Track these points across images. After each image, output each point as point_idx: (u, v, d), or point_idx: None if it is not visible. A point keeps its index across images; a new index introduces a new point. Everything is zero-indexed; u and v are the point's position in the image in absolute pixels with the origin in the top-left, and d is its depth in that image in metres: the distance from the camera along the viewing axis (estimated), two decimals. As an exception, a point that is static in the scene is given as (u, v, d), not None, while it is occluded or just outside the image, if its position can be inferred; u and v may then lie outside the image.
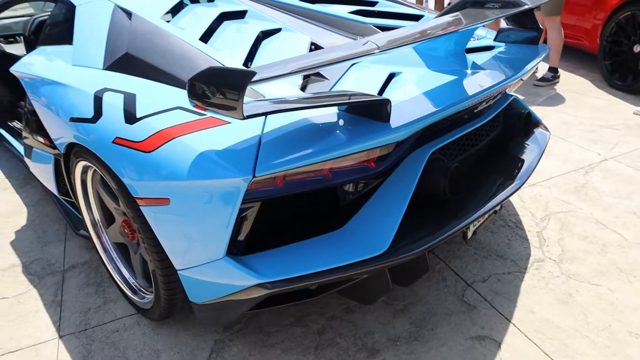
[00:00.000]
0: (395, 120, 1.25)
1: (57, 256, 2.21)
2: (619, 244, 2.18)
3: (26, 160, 2.26)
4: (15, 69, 2.10)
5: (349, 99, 1.19)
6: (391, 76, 1.55)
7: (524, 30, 1.96)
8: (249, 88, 1.31)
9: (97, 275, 2.07)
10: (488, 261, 2.09)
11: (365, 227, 1.38)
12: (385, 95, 1.42)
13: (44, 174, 2.07)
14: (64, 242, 2.31)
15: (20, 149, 2.54)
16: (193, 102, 1.12)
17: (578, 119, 3.58)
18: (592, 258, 2.08)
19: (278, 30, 1.87)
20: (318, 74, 1.55)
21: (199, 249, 1.33)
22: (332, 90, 1.49)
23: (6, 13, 3.67)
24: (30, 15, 3.42)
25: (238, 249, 1.35)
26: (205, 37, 1.74)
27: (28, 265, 2.16)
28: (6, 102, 3.14)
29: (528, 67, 1.64)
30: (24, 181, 2.85)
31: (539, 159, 1.83)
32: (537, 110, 3.75)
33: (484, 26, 1.81)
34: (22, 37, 3.29)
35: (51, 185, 2.06)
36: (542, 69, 4.42)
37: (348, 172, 1.32)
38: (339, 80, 1.53)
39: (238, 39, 1.74)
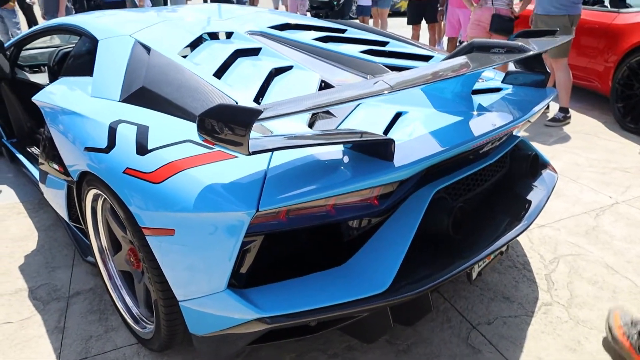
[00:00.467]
0: (399, 159, 1.27)
1: (64, 282, 2.22)
2: (631, 290, 2.13)
3: (40, 185, 2.32)
4: (37, 98, 2.19)
5: (354, 137, 1.22)
6: (398, 115, 1.58)
7: (532, 73, 1.99)
8: (257, 124, 1.35)
9: (101, 302, 2.07)
10: (494, 303, 2.05)
11: (367, 264, 1.38)
12: (391, 134, 1.45)
13: (57, 199, 2.12)
14: (71, 267, 2.33)
15: (36, 174, 2.60)
16: (202, 137, 1.16)
17: (589, 160, 3.56)
18: (602, 304, 2.03)
19: (290, 67, 1.93)
20: (326, 111, 1.59)
21: (201, 281, 1.34)
22: (339, 127, 1.52)
23: (33, 43, 3.84)
24: (56, 47, 3.57)
25: (240, 282, 1.35)
26: (219, 73, 1.80)
27: (34, 290, 2.17)
28: (27, 128, 3.24)
29: (534, 109, 1.66)
30: (38, 206, 2.91)
31: (547, 201, 1.82)
32: (548, 151, 3.75)
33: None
34: (46, 68, 3.43)
35: (62, 211, 2.10)
36: (553, 109, 4.45)
37: (351, 209, 1.33)
38: (346, 117, 1.57)
39: (250, 76, 1.80)
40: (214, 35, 2.46)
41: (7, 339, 1.89)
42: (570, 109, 4.38)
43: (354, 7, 9.36)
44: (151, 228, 1.37)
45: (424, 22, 6.30)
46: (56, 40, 4.11)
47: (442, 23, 6.31)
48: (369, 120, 1.55)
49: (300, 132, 1.35)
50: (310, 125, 1.52)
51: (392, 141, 1.24)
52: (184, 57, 1.91)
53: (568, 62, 4.18)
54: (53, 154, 2.00)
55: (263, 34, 2.27)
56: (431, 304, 1.50)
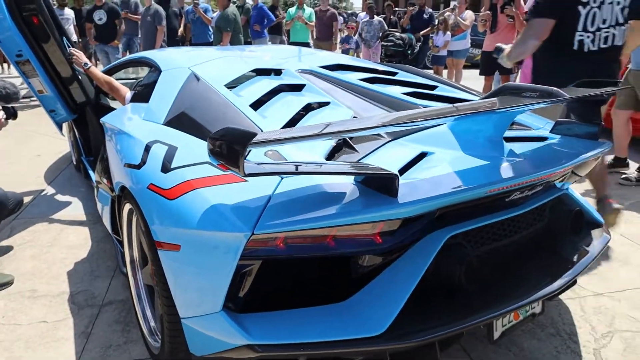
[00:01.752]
0: (405, 196, 1.23)
1: (101, 290, 2.36)
2: (698, 381, 1.82)
3: (96, 197, 2.52)
4: (103, 119, 2.42)
5: (357, 170, 1.20)
6: (423, 155, 1.54)
7: (584, 124, 1.86)
8: (274, 151, 1.38)
9: (128, 314, 2.16)
10: (528, 372, 1.84)
11: (367, 304, 1.32)
12: (409, 173, 1.41)
13: (104, 212, 2.28)
14: (110, 278, 2.47)
15: None
16: (211, 157, 1.21)
17: (669, 229, 3.18)
18: (659, 392, 1.75)
19: (327, 103, 1.97)
20: (350, 146, 1.59)
21: (200, 299, 1.36)
22: (360, 163, 1.51)
23: (122, 75, 4.29)
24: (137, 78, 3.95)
25: (237, 306, 1.35)
26: (257, 105, 1.89)
27: (74, 295, 2.32)
28: (99, 148, 3.58)
29: (574, 160, 1.54)
30: (97, 218, 3.15)
31: (589, 263, 1.65)
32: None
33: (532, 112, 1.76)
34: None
35: (107, 223, 2.26)
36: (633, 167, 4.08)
37: (352, 244, 1.30)
38: (369, 154, 1.55)
39: (285, 109, 1.86)
40: (267, 72, 2.59)
41: (39, 336, 2.02)
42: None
43: (429, 56, 9.40)
44: (162, 242, 1.43)
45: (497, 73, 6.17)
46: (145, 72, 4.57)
47: (516, 75, 6.14)
48: (390, 157, 1.52)
49: (306, 161, 1.36)
50: (329, 157, 1.53)
51: (396, 176, 1.21)
52: (230, 89, 2.02)
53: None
54: (105, 168, 2.19)
55: (313, 73, 2.36)
56: (438, 356, 1.38)
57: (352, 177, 1.33)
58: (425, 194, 1.24)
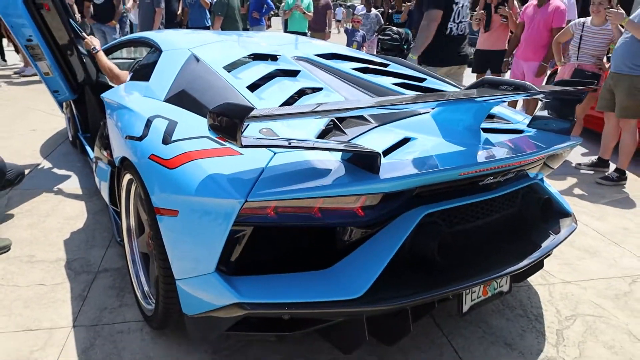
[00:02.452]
0: (386, 173, 1.36)
1: (96, 259, 2.46)
2: (649, 361, 1.98)
3: (94, 172, 2.61)
4: (104, 95, 2.51)
5: (342, 147, 1.32)
6: (406, 140, 1.66)
7: (558, 120, 1.99)
8: (268, 128, 1.50)
9: (123, 281, 2.27)
10: (494, 347, 1.99)
11: (348, 271, 1.45)
12: (393, 155, 1.54)
13: (102, 184, 2.38)
14: (106, 248, 2.57)
15: None
16: (211, 131, 1.32)
17: None
18: (612, 368, 1.91)
19: (319, 89, 2.08)
20: (339, 129, 1.71)
21: (195, 261, 1.48)
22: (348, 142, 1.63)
23: (125, 54, 4.36)
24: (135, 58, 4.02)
25: (229, 269, 1.47)
26: (253, 87, 1.99)
27: (71, 262, 2.43)
28: (99, 125, 3.66)
29: (542, 152, 1.67)
30: (94, 192, 3.25)
31: (553, 247, 1.79)
32: (595, 210, 3.58)
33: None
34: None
35: (105, 194, 2.36)
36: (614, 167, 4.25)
37: (336, 215, 1.42)
38: (357, 136, 1.68)
39: (280, 92, 1.97)
40: (264, 57, 2.69)
41: (37, 297, 2.13)
42: (629, 173, 4.16)
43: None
44: (161, 208, 1.54)
45: (489, 71, 6.30)
46: (143, 53, 4.64)
47: (507, 74, 6.27)
48: (377, 140, 1.64)
49: (298, 139, 1.48)
50: (320, 137, 1.64)
51: (378, 155, 1.33)
52: (228, 71, 2.12)
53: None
54: (105, 143, 2.28)
55: (308, 60, 2.46)
56: (410, 325, 1.52)
57: (340, 155, 1.46)
58: (404, 172, 1.37)
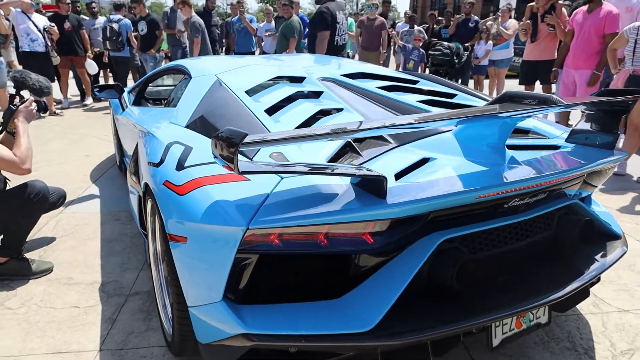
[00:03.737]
0: (394, 197, 1.27)
1: (129, 282, 2.52)
2: None
3: (130, 195, 2.70)
4: (136, 122, 2.60)
5: (346, 171, 1.26)
6: (425, 160, 1.57)
7: (599, 133, 1.82)
8: (279, 152, 1.47)
9: (151, 304, 2.30)
10: (535, 384, 1.81)
11: (358, 302, 1.37)
12: (408, 177, 1.45)
13: (134, 208, 2.45)
14: (139, 271, 2.63)
15: None
16: (215, 156, 1.30)
17: None
18: (675, 414, 1.67)
19: (340, 109, 2.03)
20: (355, 150, 1.65)
21: (204, 288, 1.45)
22: (362, 165, 1.56)
23: (168, 82, 4.55)
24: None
25: (236, 297, 1.43)
26: (272, 110, 1.98)
27: (105, 284, 2.50)
28: None
29: (577, 169, 1.52)
30: (132, 216, 3.36)
31: (596, 275, 1.61)
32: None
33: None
34: (165, 102, 4.02)
35: (135, 218, 2.42)
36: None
37: (344, 242, 1.35)
38: (372, 158, 1.61)
39: (298, 114, 1.94)
40: (289, 79, 2.69)
41: (70, 319, 2.20)
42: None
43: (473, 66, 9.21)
44: (172, 235, 1.54)
45: (538, 83, 6.00)
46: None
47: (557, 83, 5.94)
48: (393, 162, 1.56)
49: (299, 162, 1.42)
50: (332, 161, 1.59)
51: (383, 178, 1.25)
52: (250, 95, 2.13)
53: None
54: (136, 168, 2.35)
55: (334, 80, 2.43)
56: (430, 360, 1.41)
57: (348, 179, 1.39)
58: (413, 196, 1.28)
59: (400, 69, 8.22)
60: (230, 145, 1.14)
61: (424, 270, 1.42)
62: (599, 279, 1.93)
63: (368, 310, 1.33)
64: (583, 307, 2.31)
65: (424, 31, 8.69)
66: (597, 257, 1.71)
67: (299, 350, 1.36)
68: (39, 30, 6.75)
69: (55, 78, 7.40)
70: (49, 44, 6.86)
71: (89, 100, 8.10)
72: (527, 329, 1.62)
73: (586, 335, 2.12)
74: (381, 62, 8.03)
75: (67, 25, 7.35)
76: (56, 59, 7.08)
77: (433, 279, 1.43)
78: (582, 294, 1.77)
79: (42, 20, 6.89)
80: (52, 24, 6.98)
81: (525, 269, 1.62)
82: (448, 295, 1.43)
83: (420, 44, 8.08)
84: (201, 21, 6.98)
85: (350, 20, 8.07)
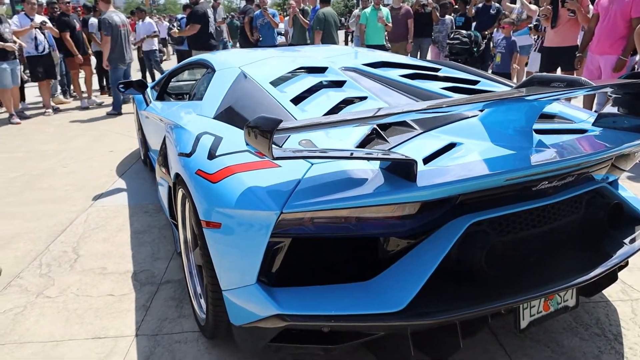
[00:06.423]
0: (424, 181, 1.30)
1: (160, 271, 2.60)
2: None
3: (158, 187, 2.77)
4: (162, 116, 2.67)
5: (377, 155, 1.29)
6: (452, 145, 1.59)
7: (627, 117, 1.80)
8: (308, 139, 1.51)
9: (183, 292, 2.37)
10: (564, 368, 1.82)
11: (390, 284, 1.40)
12: (436, 161, 1.47)
13: (163, 199, 2.52)
14: (169, 260, 2.71)
15: None
16: (248, 144, 1.34)
17: None
18: None
19: (364, 98, 2.06)
20: (381, 137, 1.67)
21: (238, 272, 1.50)
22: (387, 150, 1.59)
23: (186, 77, 4.62)
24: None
25: (270, 280, 1.48)
26: (298, 100, 2.02)
27: (138, 274, 2.58)
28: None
29: (604, 152, 1.52)
30: (160, 208, 3.44)
31: (626, 257, 1.61)
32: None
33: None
34: (187, 96, 4.09)
35: (165, 209, 2.49)
36: None
37: (375, 225, 1.38)
38: (400, 143, 1.63)
39: (323, 103, 1.97)
40: (312, 70, 2.72)
41: (106, 307, 2.28)
42: None
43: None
44: (206, 221, 1.59)
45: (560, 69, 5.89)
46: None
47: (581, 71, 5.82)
48: (420, 147, 1.58)
49: (332, 148, 1.46)
50: (361, 146, 1.62)
51: (414, 162, 1.28)
52: (275, 86, 2.17)
53: None
54: (164, 160, 2.42)
55: (356, 70, 2.45)
56: (460, 341, 1.43)
57: (377, 164, 1.42)
58: (442, 179, 1.30)
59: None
60: (265, 131, 1.18)
61: (452, 253, 1.44)
62: (627, 263, 1.92)
63: (398, 291, 1.36)
64: (612, 293, 2.29)
65: (453, 20, 8.43)
66: (625, 241, 1.70)
67: (331, 330, 1.40)
68: (42, 33, 6.91)
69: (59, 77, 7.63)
70: (48, 44, 7.00)
71: (89, 102, 7.92)
72: (555, 312, 1.62)
73: (615, 321, 2.11)
74: (408, 52, 7.84)
75: (77, 25, 7.53)
76: (56, 57, 7.24)
77: (462, 261, 1.45)
78: (610, 278, 1.77)
79: (39, 20, 7.01)
80: (44, 21, 7.04)
81: (553, 252, 1.63)
82: (477, 277, 1.45)
83: (509, 31, 7.43)
84: (114, 19, 6.80)
85: (387, 10, 7.76)
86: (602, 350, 1.92)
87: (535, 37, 6.60)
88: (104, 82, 8.90)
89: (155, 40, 9.02)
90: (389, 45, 7.88)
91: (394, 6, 7.53)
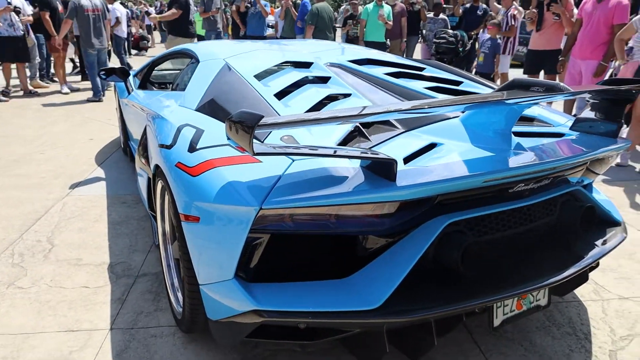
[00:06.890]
0: (403, 180, 1.30)
1: (137, 263, 2.56)
2: None
3: (137, 178, 2.73)
4: (143, 105, 2.62)
5: (357, 154, 1.29)
6: (432, 146, 1.60)
7: (603, 122, 1.84)
8: (290, 136, 1.50)
9: (160, 286, 2.35)
10: (535, 367, 1.86)
11: (366, 282, 1.41)
12: (416, 161, 1.48)
13: (142, 190, 2.48)
14: (147, 253, 2.67)
15: None
16: (228, 138, 1.33)
17: None
18: (671, 396, 1.72)
19: (348, 95, 2.06)
20: (363, 135, 1.67)
21: (215, 267, 1.49)
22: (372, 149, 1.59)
23: (169, 66, 4.54)
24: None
25: (248, 276, 1.47)
26: (282, 94, 2.00)
27: (114, 266, 2.54)
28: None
29: (580, 156, 1.55)
30: (139, 199, 3.39)
31: (595, 259, 1.65)
32: (659, 220, 3.28)
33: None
34: (170, 85, 4.03)
35: (143, 200, 2.45)
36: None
37: (354, 223, 1.38)
38: (382, 142, 1.63)
39: (307, 99, 1.96)
40: (297, 64, 2.70)
41: (80, 299, 2.24)
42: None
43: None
44: (184, 214, 1.57)
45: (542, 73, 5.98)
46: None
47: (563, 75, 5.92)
48: (401, 146, 1.59)
49: (314, 146, 1.45)
50: (343, 143, 1.62)
51: (394, 161, 1.28)
52: (259, 80, 2.15)
53: None
54: (144, 151, 2.38)
55: (341, 66, 2.45)
56: (434, 339, 1.45)
57: (358, 162, 1.42)
58: (421, 179, 1.31)
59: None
60: (246, 126, 1.17)
61: (429, 252, 1.45)
62: (598, 264, 1.97)
63: (375, 289, 1.37)
64: (584, 294, 2.35)
65: (448, 20, 8.42)
66: (597, 242, 1.75)
67: (307, 326, 1.40)
68: (17, 15, 6.73)
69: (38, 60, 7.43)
70: (23, 26, 6.81)
71: (68, 88, 7.71)
72: (527, 311, 1.66)
73: (586, 321, 2.16)
74: (402, 51, 7.78)
75: (59, 7, 7.36)
76: (30, 41, 7.07)
77: (438, 260, 1.47)
78: (581, 278, 1.81)
79: (17, 2, 6.82)
80: (17, 6, 6.79)
81: (527, 253, 1.66)
82: (453, 277, 1.47)
83: (496, 33, 7.44)
84: (82, 3, 6.62)
85: (389, 8, 7.68)
86: (572, 349, 1.97)
87: (501, 37, 6.68)
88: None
89: (124, 26, 8.79)
90: (390, 43, 7.81)
91: (389, 2, 7.50)
